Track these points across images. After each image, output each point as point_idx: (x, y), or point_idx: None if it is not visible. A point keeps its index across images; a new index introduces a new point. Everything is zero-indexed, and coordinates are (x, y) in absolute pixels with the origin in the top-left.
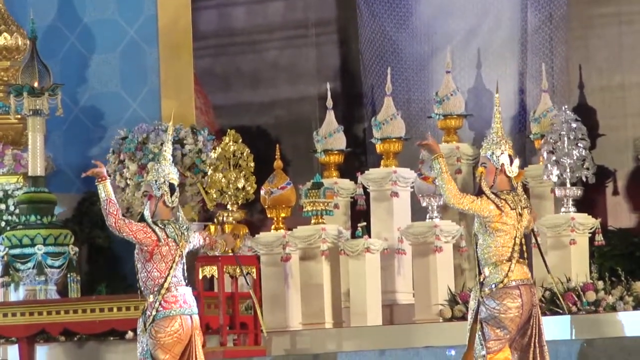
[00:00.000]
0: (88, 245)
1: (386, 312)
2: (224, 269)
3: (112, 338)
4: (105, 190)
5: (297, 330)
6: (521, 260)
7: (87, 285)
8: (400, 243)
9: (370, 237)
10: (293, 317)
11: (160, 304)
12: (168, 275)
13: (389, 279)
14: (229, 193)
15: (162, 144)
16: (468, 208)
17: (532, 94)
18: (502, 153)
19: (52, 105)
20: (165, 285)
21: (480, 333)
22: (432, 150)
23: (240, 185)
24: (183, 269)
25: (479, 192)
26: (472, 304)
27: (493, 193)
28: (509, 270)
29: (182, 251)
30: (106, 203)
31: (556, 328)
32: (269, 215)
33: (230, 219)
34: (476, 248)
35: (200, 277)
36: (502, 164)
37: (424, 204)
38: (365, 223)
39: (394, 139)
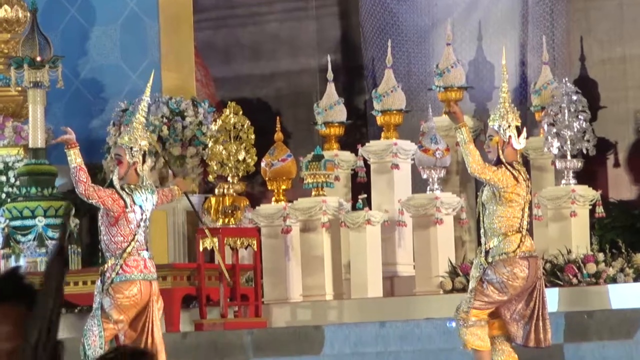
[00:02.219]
0: (89, 218)
1: (387, 284)
2: (225, 241)
3: None
4: (76, 156)
5: (298, 302)
6: (527, 231)
7: (88, 257)
8: (400, 215)
9: (370, 209)
10: (293, 289)
11: (121, 267)
12: (132, 240)
13: (390, 251)
14: (230, 165)
15: (162, 117)
16: (489, 178)
17: (533, 66)
18: (509, 125)
19: (53, 78)
20: (128, 249)
21: (473, 290)
22: (457, 118)
23: (240, 158)
24: (145, 234)
25: (497, 162)
26: (475, 273)
27: (509, 164)
28: (520, 242)
29: (147, 216)
30: (76, 170)
31: (558, 299)
32: (269, 188)
33: (231, 191)
34: (483, 218)
35: (201, 249)
36: (510, 137)
37: (425, 176)
38: (365, 195)
39: (394, 111)
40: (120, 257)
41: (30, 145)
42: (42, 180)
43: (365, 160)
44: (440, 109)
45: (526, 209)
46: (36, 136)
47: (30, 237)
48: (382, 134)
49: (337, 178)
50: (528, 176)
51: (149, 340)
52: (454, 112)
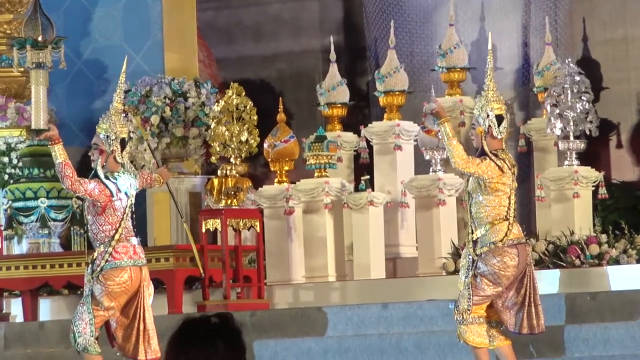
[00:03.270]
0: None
1: (389, 265)
2: (227, 222)
3: None
4: (60, 152)
5: (301, 284)
6: (514, 219)
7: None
8: (403, 196)
9: (373, 190)
10: (296, 271)
11: (110, 254)
12: (119, 227)
13: (392, 232)
14: (232, 146)
15: (165, 98)
16: (474, 171)
17: (536, 47)
18: (487, 116)
19: (55, 59)
20: (117, 236)
21: (469, 286)
22: (439, 115)
23: (243, 139)
24: (132, 219)
25: (481, 153)
26: (464, 262)
27: (492, 153)
28: (507, 230)
29: (132, 202)
30: (62, 166)
31: (560, 281)
32: (272, 169)
33: (234, 172)
34: (470, 208)
35: (204, 230)
36: (489, 126)
37: (427, 157)
38: (368, 176)
39: (397, 92)
40: (109, 244)
41: (32, 127)
42: (44, 162)
43: (367, 141)
44: (443, 89)
45: (512, 197)
46: (39, 117)
47: (33, 218)
48: (385, 115)
49: (339, 159)
50: (514, 162)
51: (141, 327)
52: (435, 110)
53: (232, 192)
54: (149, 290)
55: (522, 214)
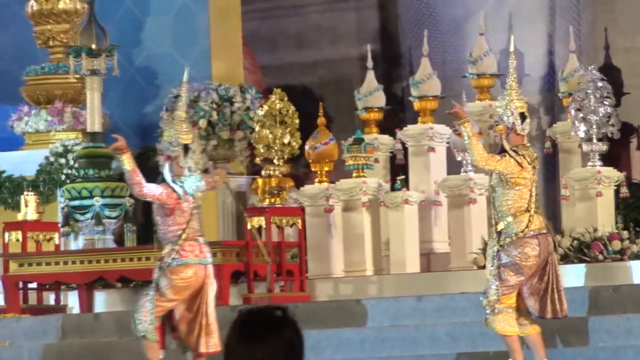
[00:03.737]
0: None
1: (423, 260)
2: (271, 220)
3: None
4: (128, 162)
5: (340, 277)
6: (536, 210)
7: (142, 234)
8: (436, 195)
9: (408, 189)
10: (336, 265)
11: (177, 252)
12: (186, 227)
13: (426, 229)
14: (276, 148)
15: (212, 102)
16: (494, 168)
17: (561, 55)
18: (512, 113)
19: (109, 66)
20: (183, 236)
21: (495, 277)
22: (458, 116)
23: (286, 141)
24: (199, 220)
25: (501, 151)
26: (490, 252)
27: (512, 150)
28: (528, 222)
29: (199, 203)
30: (130, 174)
31: (584, 275)
32: (313, 169)
33: (277, 172)
34: (493, 201)
35: (249, 227)
36: (513, 123)
37: (459, 158)
38: (403, 176)
39: (430, 97)
40: (176, 243)
41: (87, 130)
42: (99, 163)
43: (403, 144)
44: (473, 95)
45: (534, 190)
46: (93, 121)
47: (88, 216)
48: (419, 119)
49: (376, 160)
50: (535, 156)
51: (204, 321)
52: (454, 112)
53: (276, 192)
54: (212, 287)
55: (548, 212)
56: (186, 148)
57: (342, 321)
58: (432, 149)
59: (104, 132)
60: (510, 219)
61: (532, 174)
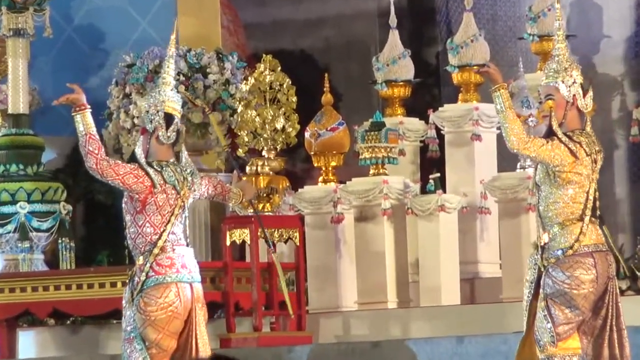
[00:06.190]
0: (85, 203)
1: (465, 287)
2: (259, 234)
3: (114, 321)
4: (85, 122)
5: (352, 312)
6: (593, 219)
7: (84, 253)
8: (483, 200)
9: (445, 192)
10: (346, 295)
11: (151, 267)
12: (164, 231)
13: (470, 245)
14: (265, 136)
15: (179, 74)
16: (535, 155)
17: None
18: (574, 82)
19: (39, 24)
20: (160, 243)
21: (545, 313)
22: (492, 79)
23: (279, 126)
24: (185, 225)
25: (549, 133)
26: (530, 275)
27: (566, 135)
28: (580, 233)
29: (184, 201)
30: (85, 139)
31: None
32: (315, 165)
33: (267, 168)
34: (538, 203)
35: (228, 243)
36: (574, 96)
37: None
38: (438, 174)
39: (475, 67)
40: (150, 253)
41: (9, 111)
42: (25, 155)
43: (437, 130)
44: (534, 63)
45: (592, 191)
46: (17, 98)
47: (10, 228)
48: (460, 96)
49: (402, 152)
50: (598, 147)
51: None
52: (486, 72)
53: (265, 195)
54: (203, 313)
55: (632, 223)
56: (169, 119)
57: None
58: (477, 137)
59: (30, 113)
60: (557, 229)
61: (592, 170)
